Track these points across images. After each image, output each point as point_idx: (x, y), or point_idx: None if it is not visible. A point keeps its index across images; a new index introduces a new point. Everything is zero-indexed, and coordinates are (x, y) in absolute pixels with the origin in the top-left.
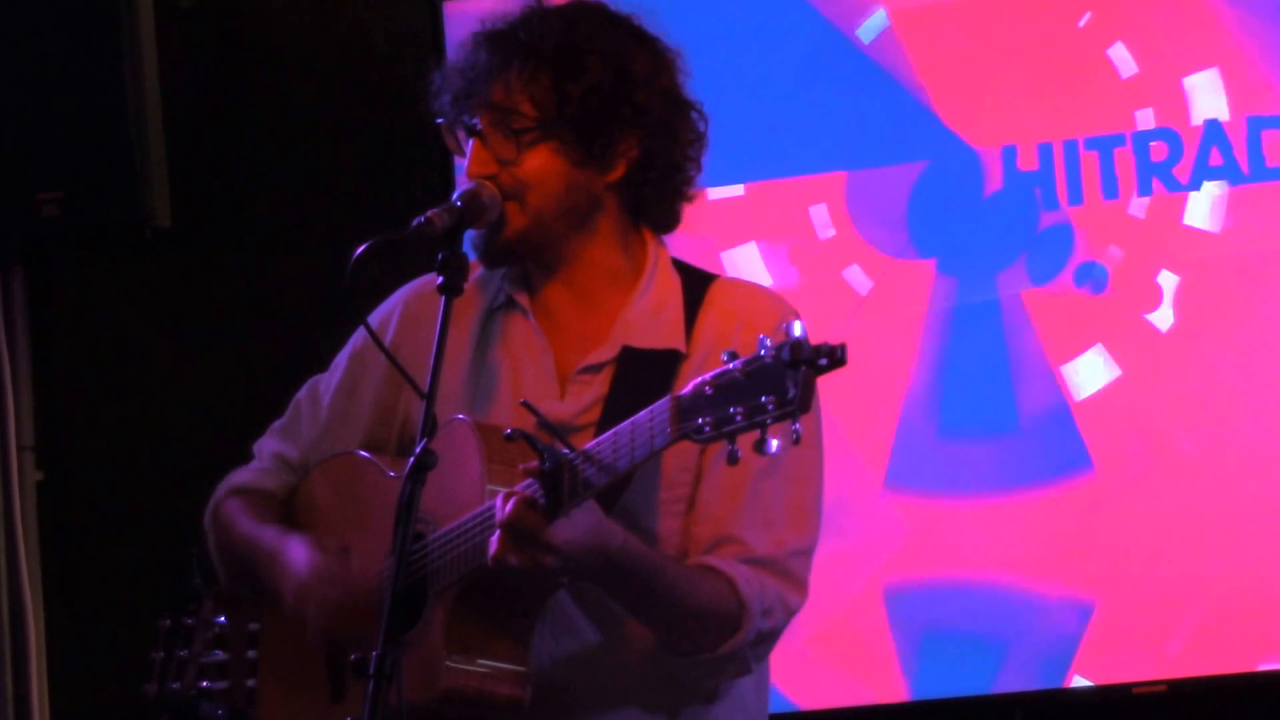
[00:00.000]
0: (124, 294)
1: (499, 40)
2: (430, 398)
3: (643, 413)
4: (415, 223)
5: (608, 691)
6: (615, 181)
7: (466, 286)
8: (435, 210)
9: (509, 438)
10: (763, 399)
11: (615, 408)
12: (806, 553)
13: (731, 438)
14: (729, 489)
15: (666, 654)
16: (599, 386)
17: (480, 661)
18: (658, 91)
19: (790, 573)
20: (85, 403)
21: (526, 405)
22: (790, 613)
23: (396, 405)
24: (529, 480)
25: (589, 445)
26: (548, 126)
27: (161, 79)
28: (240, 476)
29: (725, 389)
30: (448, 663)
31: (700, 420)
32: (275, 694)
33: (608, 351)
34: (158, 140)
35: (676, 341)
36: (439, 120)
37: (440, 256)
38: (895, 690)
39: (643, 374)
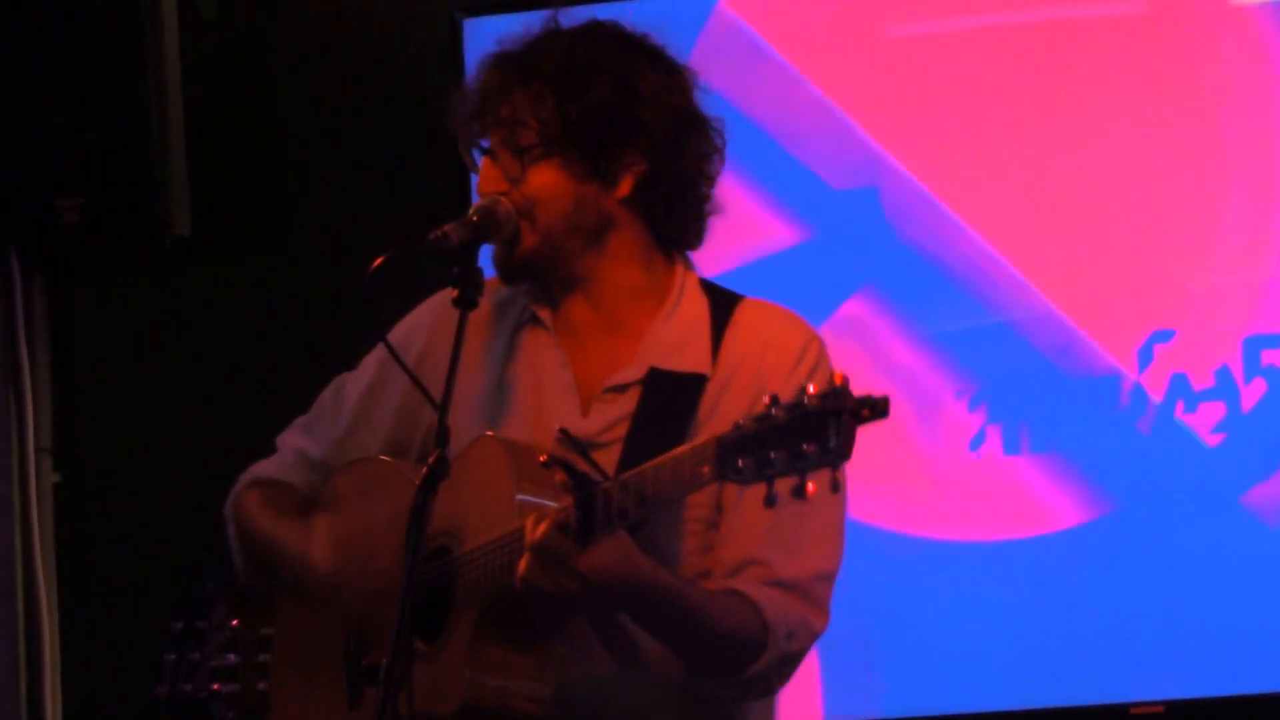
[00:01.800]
0: (143, 301)
1: (508, 61)
2: (444, 408)
3: (684, 449)
4: (431, 236)
5: (628, 710)
6: (626, 198)
7: (494, 303)
8: (451, 224)
9: (546, 465)
10: (804, 446)
11: (642, 426)
12: (829, 577)
13: (770, 481)
14: (754, 513)
15: (692, 677)
16: (625, 404)
17: (501, 678)
18: (665, 108)
19: (814, 597)
20: (103, 407)
21: (564, 433)
22: (813, 636)
23: (421, 414)
24: (562, 504)
25: (626, 475)
26: (551, 143)
27: (183, 88)
28: (262, 469)
29: (767, 433)
30: (469, 678)
31: (740, 462)
32: (289, 697)
33: (634, 372)
34: (179, 149)
35: (703, 365)
36: (458, 139)
37: (455, 270)
38: (889, 706)
39: (669, 395)
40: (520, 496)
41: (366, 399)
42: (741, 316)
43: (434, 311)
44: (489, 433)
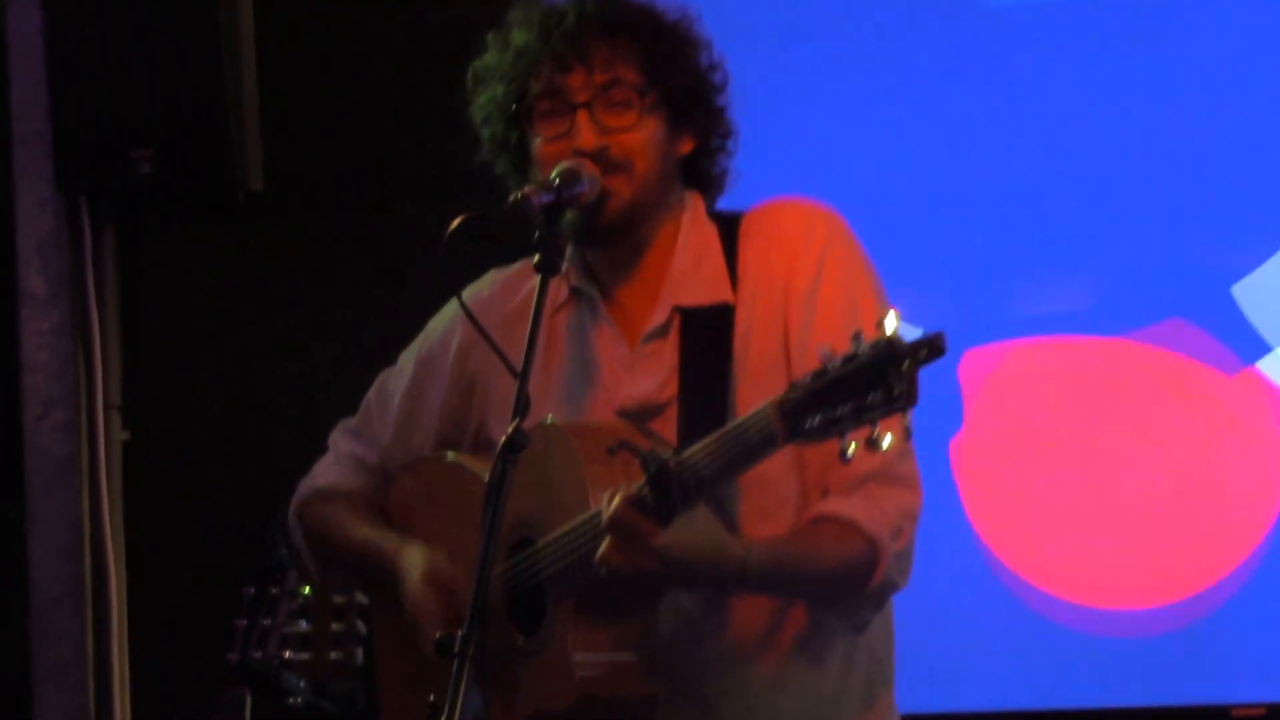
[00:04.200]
0: (214, 256)
1: (605, 18)
2: (524, 376)
3: (747, 417)
4: (511, 199)
5: (734, 679)
6: (681, 157)
7: (520, 297)
8: (531, 187)
9: (612, 451)
10: (869, 397)
11: (690, 378)
12: (909, 451)
13: (842, 435)
14: None
15: (818, 611)
16: (667, 357)
17: (611, 663)
18: (719, 82)
19: (902, 476)
20: (173, 363)
21: (623, 415)
22: (914, 519)
23: (467, 413)
24: (635, 480)
25: (693, 452)
26: (649, 98)
27: (257, 42)
28: (323, 478)
29: (828, 388)
30: (580, 669)
31: (808, 422)
32: (397, 695)
33: (661, 314)
34: (252, 104)
35: (724, 293)
36: (537, 94)
37: (537, 234)
38: (1000, 698)
39: (703, 336)
40: (593, 482)
41: (410, 402)
42: (747, 229)
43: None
44: (549, 418)
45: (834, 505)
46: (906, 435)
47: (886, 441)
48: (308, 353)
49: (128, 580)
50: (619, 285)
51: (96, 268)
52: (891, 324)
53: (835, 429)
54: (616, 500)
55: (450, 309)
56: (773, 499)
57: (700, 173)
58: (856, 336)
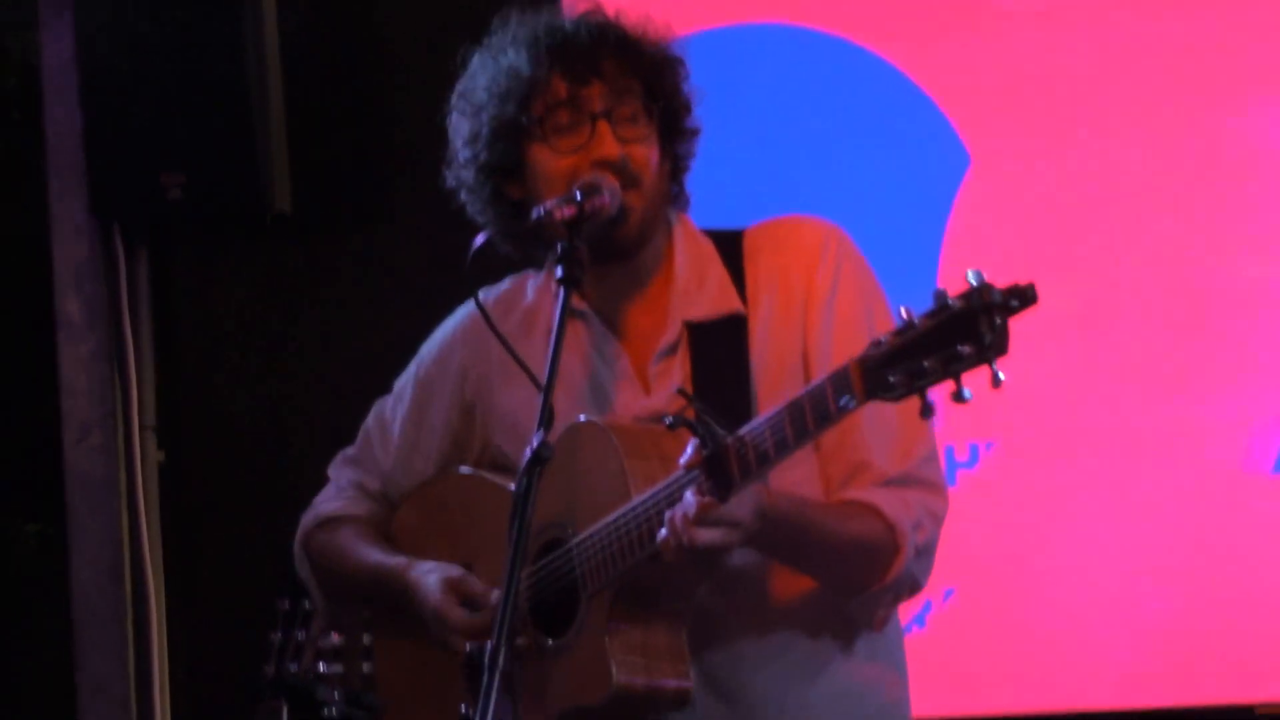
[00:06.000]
0: (245, 277)
1: (604, 31)
2: (548, 388)
3: (820, 381)
4: (535, 215)
5: (767, 682)
6: (664, 173)
7: (518, 318)
8: (554, 202)
9: (671, 426)
10: (958, 348)
11: (704, 387)
12: (933, 455)
13: (923, 391)
14: (847, 420)
15: (837, 596)
16: (679, 370)
17: (645, 658)
18: (693, 105)
19: (926, 480)
20: (206, 384)
21: (681, 392)
22: (938, 519)
23: (469, 434)
24: (691, 469)
25: (754, 425)
26: (654, 114)
27: (283, 65)
28: (327, 507)
29: (911, 344)
30: (615, 664)
31: (891, 378)
32: (411, 715)
33: (671, 333)
34: (279, 125)
35: (733, 304)
36: (556, 104)
37: (560, 248)
38: (1013, 701)
39: (715, 347)
40: (633, 476)
41: (412, 426)
42: (753, 243)
43: (460, 328)
44: (582, 417)
45: (858, 493)
46: (996, 383)
47: (969, 396)
48: (337, 371)
49: (166, 596)
50: (619, 304)
51: (130, 292)
52: (975, 278)
53: (919, 383)
54: (681, 497)
55: (441, 333)
56: (821, 462)
57: (673, 190)
58: (940, 294)
